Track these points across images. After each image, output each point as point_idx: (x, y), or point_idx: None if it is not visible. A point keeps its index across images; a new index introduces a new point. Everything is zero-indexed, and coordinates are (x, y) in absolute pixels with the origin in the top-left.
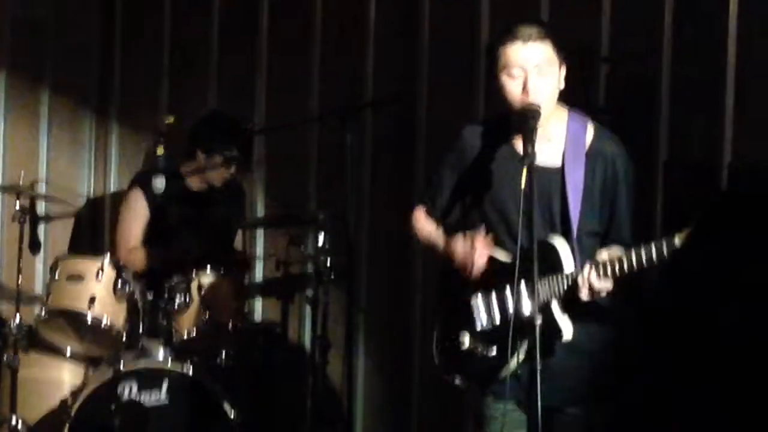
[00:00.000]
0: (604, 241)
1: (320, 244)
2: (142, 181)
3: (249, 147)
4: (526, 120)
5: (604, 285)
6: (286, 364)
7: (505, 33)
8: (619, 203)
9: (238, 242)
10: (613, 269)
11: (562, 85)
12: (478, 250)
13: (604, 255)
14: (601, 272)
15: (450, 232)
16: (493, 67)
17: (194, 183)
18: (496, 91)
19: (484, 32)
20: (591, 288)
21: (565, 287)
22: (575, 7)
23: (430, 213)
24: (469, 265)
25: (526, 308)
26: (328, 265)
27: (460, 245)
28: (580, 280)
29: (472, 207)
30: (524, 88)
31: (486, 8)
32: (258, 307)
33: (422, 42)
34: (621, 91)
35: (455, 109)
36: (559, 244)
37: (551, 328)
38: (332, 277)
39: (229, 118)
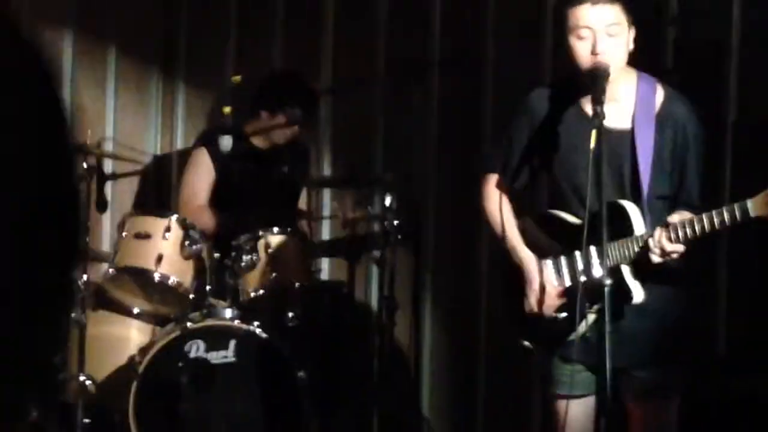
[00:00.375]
0: (673, 205)
1: (387, 204)
2: (207, 139)
3: (314, 106)
4: (595, 80)
5: (676, 248)
6: (353, 325)
7: None
8: (689, 167)
9: (304, 201)
10: (684, 232)
11: (631, 47)
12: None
13: (675, 218)
14: (673, 235)
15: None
16: (561, 28)
17: (259, 142)
18: (563, 52)
19: None
20: (662, 251)
21: (636, 250)
22: None
23: (501, 182)
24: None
25: (596, 271)
26: (395, 225)
27: (533, 279)
28: (651, 243)
29: (541, 171)
30: (593, 49)
31: None
32: (325, 267)
33: (489, 1)
34: (689, 52)
35: (522, 70)
36: (629, 207)
37: (621, 291)
38: (399, 237)
39: (293, 77)
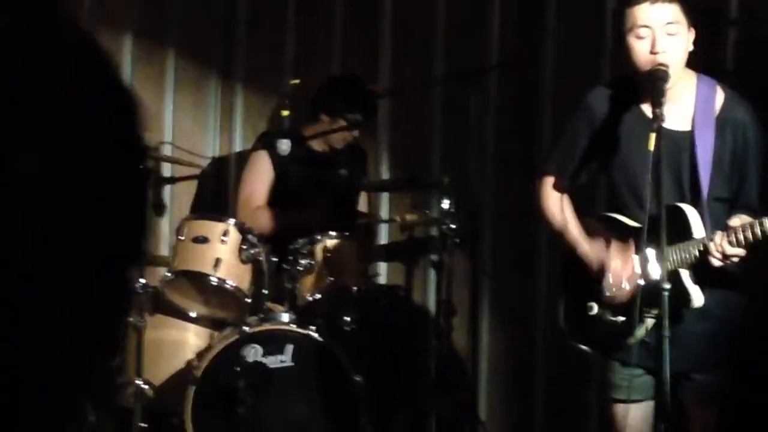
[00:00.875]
0: (732, 208)
1: (445, 207)
2: (266, 142)
3: (373, 110)
4: (654, 81)
5: (737, 251)
6: (410, 328)
7: None
8: (749, 169)
9: (362, 205)
10: (745, 236)
11: (690, 48)
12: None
13: (736, 221)
14: (734, 239)
15: (577, 199)
16: (620, 29)
17: (317, 146)
18: (623, 53)
19: None
20: (723, 254)
21: (695, 254)
22: None
23: (559, 183)
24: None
25: (655, 274)
26: (453, 229)
27: (607, 261)
28: (712, 246)
29: (599, 172)
30: (652, 48)
31: None
32: (382, 271)
33: (549, 2)
34: (750, 54)
35: (581, 72)
36: (688, 210)
37: (680, 294)
38: (457, 241)
39: (353, 81)
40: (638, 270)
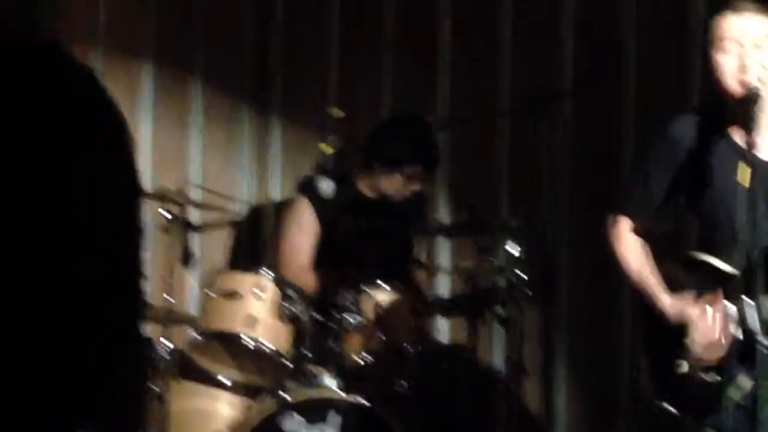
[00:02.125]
0: None
1: (513, 253)
2: (308, 188)
3: (436, 160)
4: (745, 105)
5: None
6: (476, 392)
7: (719, 8)
8: None
9: (418, 252)
10: None
11: None
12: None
13: None
14: None
15: (663, 243)
16: (705, 43)
17: (367, 190)
18: (709, 71)
19: (699, 6)
20: None
21: None
22: None
23: (636, 225)
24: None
25: (753, 327)
26: (523, 278)
27: (694, 320)
28: None
29: (685, 209)
30: (741, 66)
31: None
32: (443, 327)
33: (627, 19)
34: None
35: (666, 96)
36: None
37: None
38: (528, 292)
39: (413, 125)
40: (733, 323)
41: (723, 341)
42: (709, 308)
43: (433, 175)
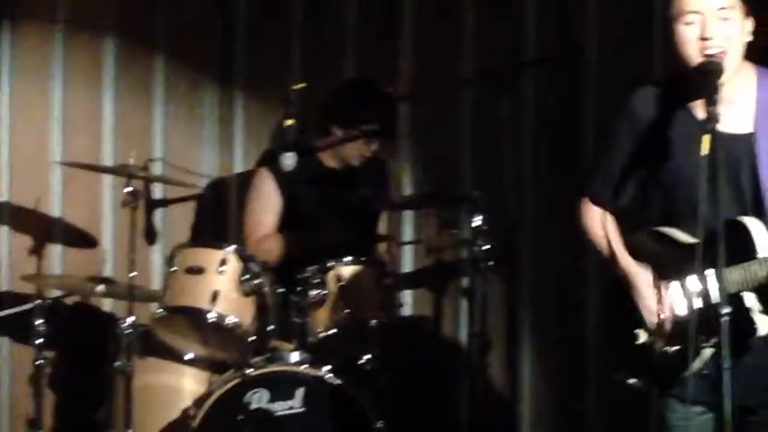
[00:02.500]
0: None
1: (476, 226)
2: (270, 160)
3: (393, 120)
4: (706, 77)
5: None
6: (440, 366)
7: None
8: None
9: (382, 226)
10: None
11: (748, 38)
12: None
13: None
14: None
15: (626, 216)
16: (667, 16)
17: (329, 161)
18: (671, 44)
19: None
20: None
21: (763, 275)
22: None
23: (600, 199)
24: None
25: (714, 298)
26: (486, 250)
27: (646, 294)
28: None
29: (647, 183)
30: (702, 34)
31: None
32: (407, 300)
33: None
34: None
35: (629, 69)
36: (752, 223)
37: (744, 321)
38: (491, 264)
39: (369, 87)
40: (680, 298)
41: (666, 316)
42: (663, 281)
43: (392, 137)
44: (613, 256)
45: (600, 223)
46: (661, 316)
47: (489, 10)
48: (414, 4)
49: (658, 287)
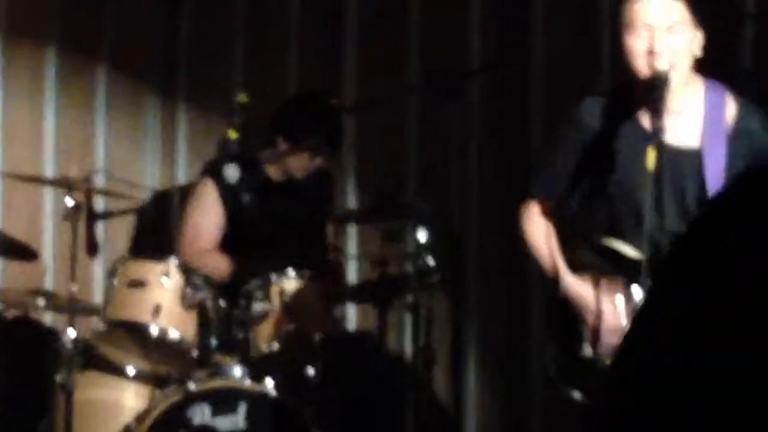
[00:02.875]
0: None
1: (422, 239)
2: (213, 171)
3: (339, 134)
4: (653, 88)
5: None
6: (384, 380)
7: None
8: None
9: (326, 239)
10: None
11: (697, 51)
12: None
13: None
14: None
15: (571, 226)
16: (617, 26)
17: (274, 173)
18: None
19: None
20: None
21: None
22: None
23: (545, 208)
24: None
25: None
26: (432, 264)
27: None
28: None
29: (593, 193)
30: (650, 48)
31: None
32: (351, 314)
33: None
34: None
35: (577, 79)
36: None
37: None
38: (436, 278)
39: (316, 100)
40: (624, 311)
41: (620, 327)
42: (607, 293)
43: (337, 151)
44: (552, 268)
45: (543, 235)
46: (603, 330)
47: (434, 15)
48: (357, 12)
49: (599, 300)
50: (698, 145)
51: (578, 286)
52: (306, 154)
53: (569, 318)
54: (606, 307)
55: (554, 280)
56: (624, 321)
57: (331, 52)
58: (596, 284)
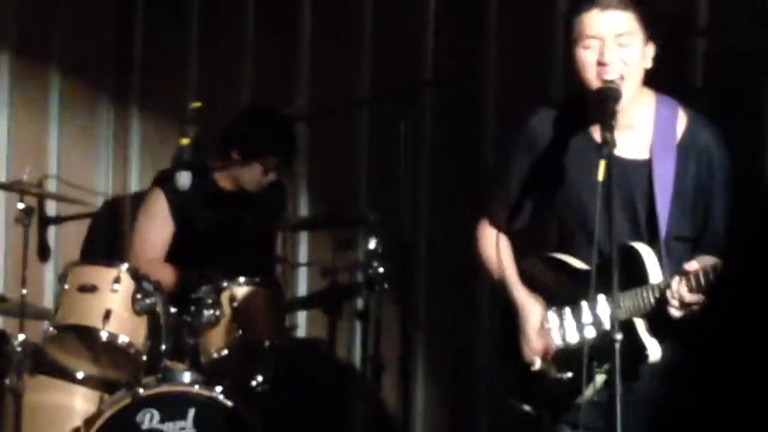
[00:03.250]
0: (697, 249)
1: (372, 248)
2: (164, 180)
3: (293, 151)
4: (604, 101)
5: (696, 299)
6: (333, 388)
7: (582, 0)
8: (714, 205)
9: (277, 247)
10: (706, 280)
11: (648, 64)
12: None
13: (694, 264)
14: (693, 284)
15: (522, 239)
16: (568, 38)
17: (225, 183)
18: (572, 67)
19: (562, 1)
20: (681, 302)
21: (651, 301)
22: None
23: (497, 220)
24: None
25: (606, 324)
26: (381, 273)
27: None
28: (668, 293)
29: (544, 206)
30: (600, 59)
31: None
32: (301, 322)
33: (489, 12)
34: (721, 69)
35: (529, 92)
36: (644, 250)
37: (635, 347)
38: (386, 286)
39: (268, 113)
40: (572, 324)
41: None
42: (532, 318)
43: (290, 166)
44: (504, 282)
45: (494, 247)
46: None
47: (387, 28)
48: (312, 24)
49: (546, 316)
50: (648, 158)
51: (523, 299)
52: (258, 167)
53: (518, 329)
54: (549, 324)
55: (504, 292)
56: (571, 336)
57: (285, 63)
58: (547, 298)
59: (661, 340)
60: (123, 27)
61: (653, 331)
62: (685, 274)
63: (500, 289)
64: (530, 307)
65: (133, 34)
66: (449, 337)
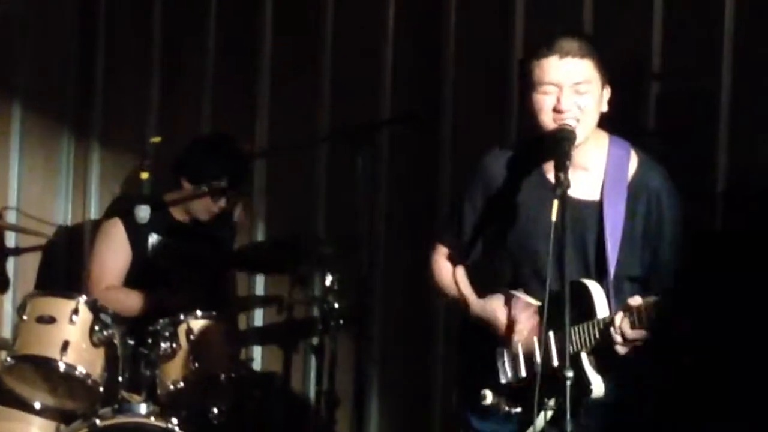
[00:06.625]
0: (646, 289)
1: (328, 283)
2: (121, 209)
3: (242, 176)
4: (558, 143)
5: (638, 335)
6: (288, 422)
7: (541, 46)
8: (662, 246)
9: (232, 281)
10: (648, 316)
11: (604, 108)
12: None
13: (637, 299)
14: (635, 319)
15: (474, 274)
16: (523, 84)
17: (179, 214)
18: (527, 109)
19: (518, 44)
20: (624, 338)
21: (596, 336)
22: (622, 18)
23: (452, 252)
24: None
25: (555, 359)
26: (337, 308)
27: (500, 314)
28: (612, 329)
29: (496, 244)
30: (557, 106)
31: (521, 18)
32: (256, 356)
33: (447, 53)
34: (674, 111)
35: (485, 131)
36: (593, 286)
37: (580, 381)
38: (341, 322)
39: (219, 142)
40: (521, 359)
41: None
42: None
43: (237, 190)
44: (460, 296)
45: (450, 276)
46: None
47: (347, 66)
48: (272, 60)
49: (510, 310)
50: (599, 199)
51: (486, 304)
52: (207, 196)
53: (474, 363)
54: (517, 314)
55: (464, 308)
56: (521, 371)
57: (245, 97)
58: (507, 302)
59: (606, 377)
60: (84, 61)
61: (598, 367)
62: (627, 309)
63: (462, 309)
64: (495, 307)
65: (94, 69)
66: (404, 373)
